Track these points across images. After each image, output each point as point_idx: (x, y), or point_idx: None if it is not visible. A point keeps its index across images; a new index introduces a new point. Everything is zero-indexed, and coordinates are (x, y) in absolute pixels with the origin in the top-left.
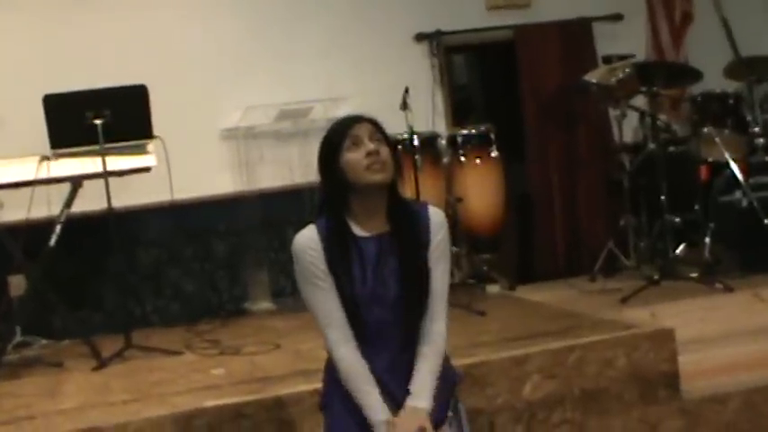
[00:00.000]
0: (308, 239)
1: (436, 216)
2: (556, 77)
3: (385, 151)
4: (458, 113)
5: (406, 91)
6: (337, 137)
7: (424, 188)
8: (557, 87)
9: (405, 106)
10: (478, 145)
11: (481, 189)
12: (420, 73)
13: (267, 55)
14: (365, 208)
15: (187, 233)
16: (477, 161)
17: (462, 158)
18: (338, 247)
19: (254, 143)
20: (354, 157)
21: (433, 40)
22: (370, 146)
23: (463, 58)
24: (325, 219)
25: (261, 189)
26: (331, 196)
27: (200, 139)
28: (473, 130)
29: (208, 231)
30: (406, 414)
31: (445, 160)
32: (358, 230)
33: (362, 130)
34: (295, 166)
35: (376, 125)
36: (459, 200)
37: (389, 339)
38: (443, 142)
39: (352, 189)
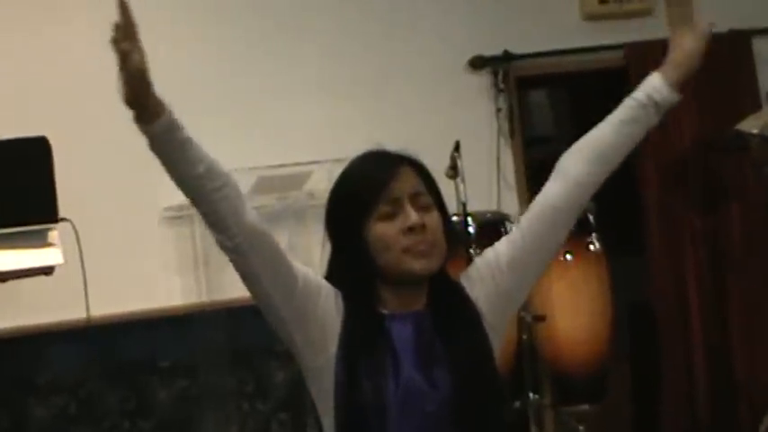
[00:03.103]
0: (335, 291)
1: (466, 279)
2: (692, 126)
3: (434, 223)
4: (537, 182)
5: (456, 149)
6: (366, 193)
7: None
8: (693, 141)
9: (453, 172)
10: (570, 232)
11: (574, 301)
12: (478, 119)
13: (240, 94)
14: (396, 296)
15: (110, 371)
16: (568, 257)
17: None
18: (360, 328)
19: None
20: (388, 232)
21: (497, 67)
22: (413, 216)
23: (545, 95)
24: None
25: (228, 301)
26: (347, 276)
27: (131, 224)
28: None
29: (143, 368)
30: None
31: None
32: (383, 307)
33: (403, 185)
34: None
35: (423, 173)
36: (540, 318)
37: None
38: (514, 228)
39: (378, 272)
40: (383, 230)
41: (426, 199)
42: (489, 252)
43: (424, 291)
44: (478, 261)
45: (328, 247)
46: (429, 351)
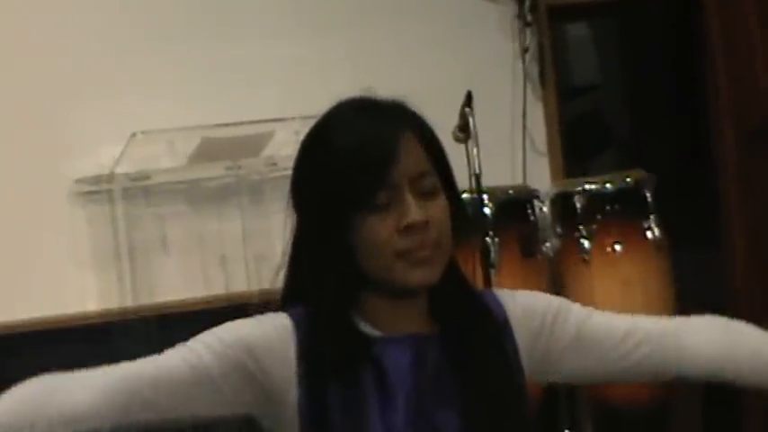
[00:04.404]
0: (284, 322)
1: (505, 295)
2: None
3: (439, 215)
4: (575, 149)
5: (468, 102)
6: (356, 178)
7: None
8: None
9: (464, 134)
10: (620, 215)
11: (626, 307)
12: (497, 62)
13: (179, 30)
14: (390, 311)
15: None
16: (617, 249)
17: (586, 244)
18: (334, 352)
19: (149, 212)
20: (379, 230)
21: None
22: (413, 212)
23: (586, 29)
24: (302, 307)
25: (159, 306)
26: (319, 284)
27: (29, 202)
28: (609, 186)
29: None
30: None
31: (548, 246)
32: (371, 330)
33: (404, 166)
34: (236, 259)
35: (426, 138)
36: None
37: None
38: (545, 209)
39: (364, 279)
40: (373, 227)
41: (431, 181)
42: (556, 301)
43: (426, 301)
44: (539, 298)
45: (291, 229)
46: (434, 387)
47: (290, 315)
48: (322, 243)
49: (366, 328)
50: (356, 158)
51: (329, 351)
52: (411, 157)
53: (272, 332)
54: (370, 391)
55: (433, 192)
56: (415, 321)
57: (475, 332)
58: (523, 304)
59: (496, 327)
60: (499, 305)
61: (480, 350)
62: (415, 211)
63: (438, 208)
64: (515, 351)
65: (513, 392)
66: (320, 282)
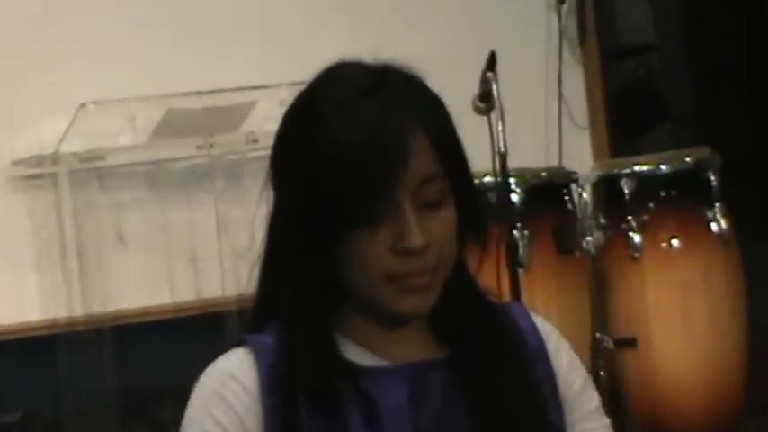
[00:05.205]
0: (233, 367)
1: (547, 326)
2: None
3: (442, 233)
4: (623, 123)
5: (491, 66)
6: (352, 191)
7: (532, 309)
8: None
9: (486, 105)
10: (678, 203)
11: (685, 315)
12: (526, 17)
13: None
14: (379, 330)
15: None
16: (674, 244)
17: (636, 238)
18: (312, 384)
19: (103, 199)
20: (370, 247)
21: None
22: (413, 235)
23: None
24: (272, 334)
25: (118, 314)
26: (296, 283)
27: None
28: (664, 167)
29: None
30: None
31: (589, 241)
32: (357, 356)
33: (407, 177)
34: (208, 257)
35: (438, 130)
36: (628, 343)
37: None
38: (585, 196)
39: (350, 296)
40: (361, 240)
41: (437, 188)
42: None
43: (423, 327)
44: (581, 366)
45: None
46: (439, 423)
47: (253, 347)
48: (301, 240)
49: (353, 350)
50: (357, 162)
51: (305, 376)
52: (419, 160)
53: (239, 389)
54: (357, 427)
55: (439, 202)
56: (414, 343)
57: (492, 350)
58: (570, 355)
59: (521, 344)
60: (531, 325)
61: (498, 372)
62: (415, 234)
63: (441, 223)
64: (552, 382)
65: (540, 424)
66: (296, 286)
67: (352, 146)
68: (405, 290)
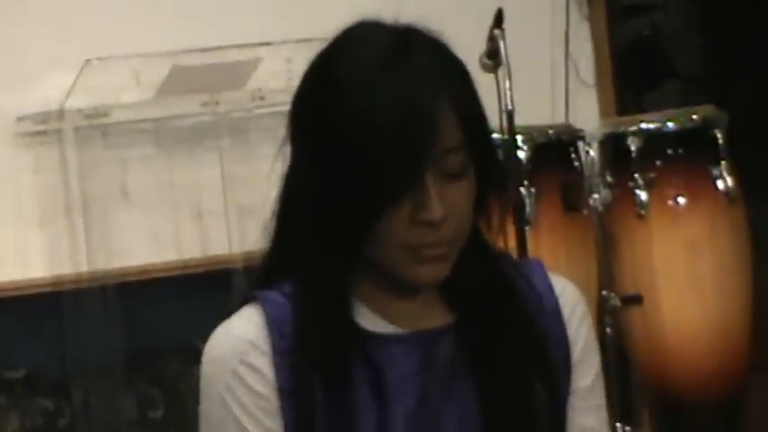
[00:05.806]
0: (239, 337)
1: (567, 289)
2: None
3: (461, 204)
4: (630, 80)
5: (498, 23)
6: (382, 162)
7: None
8: None
9: (493, 62)
10: (685, 161)
11: (691, 273)
12: None
13: None
14: (390, 296)
15: None
16: (681, 201)
17: (642, 196)
18: (324, 360)
19: (108, 156)
20: (391, 217)
21: None
22: (434, 208)
23: None
24: (283, 292)
25: (123, 272)
26: (318, 253)
27: None
28: (671, 124)
29: None
30: None
31: (596, 199)
32: (370, 322)
33: (435, 146)
34: (214, 214)
35: (468, 110)
36: (635, 300)
37: None
38: (592, 154)
39: (365, 262)
40: (388, 221)
41: (459, 158)
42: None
43: (436, 293)
44: (595, 345)
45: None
46: (445, 391)
47: (264, 306)
48: (323, 207)
49: (366, 315)
50: (385, 138)
51: (317, 336)
52: (445, 132)
53: (255, 360)
54: (364, 399)
55: (460, 173)
56: (426, 309)
57: (501, 317)
58: (579, 323)
59: (535, 309)
60: (549, 287)
61: (506, 340)
62: (436, 207)
63: (460, 195)
64: (564, 345)
65: (550, 392)
66: (316, 248)
67: (381, 121)
68: (422, 259)
